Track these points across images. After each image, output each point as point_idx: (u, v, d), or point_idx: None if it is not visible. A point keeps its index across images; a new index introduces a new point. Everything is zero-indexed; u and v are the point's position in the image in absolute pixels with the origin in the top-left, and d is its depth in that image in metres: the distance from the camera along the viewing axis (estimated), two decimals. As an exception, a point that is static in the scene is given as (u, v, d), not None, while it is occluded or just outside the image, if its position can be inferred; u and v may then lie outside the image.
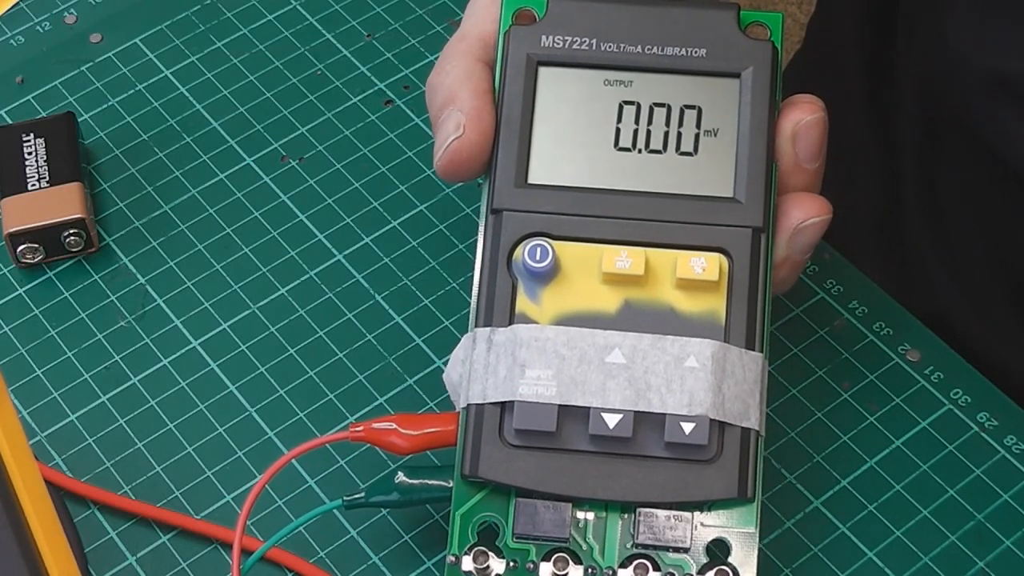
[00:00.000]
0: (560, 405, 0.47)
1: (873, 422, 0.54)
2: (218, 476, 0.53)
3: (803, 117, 0.50)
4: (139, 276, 0.58)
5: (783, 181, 0.50)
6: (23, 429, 0.42)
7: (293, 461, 0.53)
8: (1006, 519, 0.52)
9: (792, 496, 0.52)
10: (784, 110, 0.50)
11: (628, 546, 0.47)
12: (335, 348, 0.56)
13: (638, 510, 0.47)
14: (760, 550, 0.51)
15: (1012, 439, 0.54)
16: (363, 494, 0.49)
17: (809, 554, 0.51)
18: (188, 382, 0.56)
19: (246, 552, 0.50)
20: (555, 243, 0.48)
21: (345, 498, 0.49)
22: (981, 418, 0.54)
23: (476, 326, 0.48)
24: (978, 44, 0.62)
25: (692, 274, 0.48)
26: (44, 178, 0.59)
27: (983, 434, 0.54)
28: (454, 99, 0.50)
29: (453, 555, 0.47)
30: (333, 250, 0.59)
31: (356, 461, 0.53)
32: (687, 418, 0.46)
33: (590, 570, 0.47)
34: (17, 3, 0.66)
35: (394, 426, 0.49)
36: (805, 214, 0.49)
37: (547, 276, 0.48)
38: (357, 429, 0.49)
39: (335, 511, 0.52)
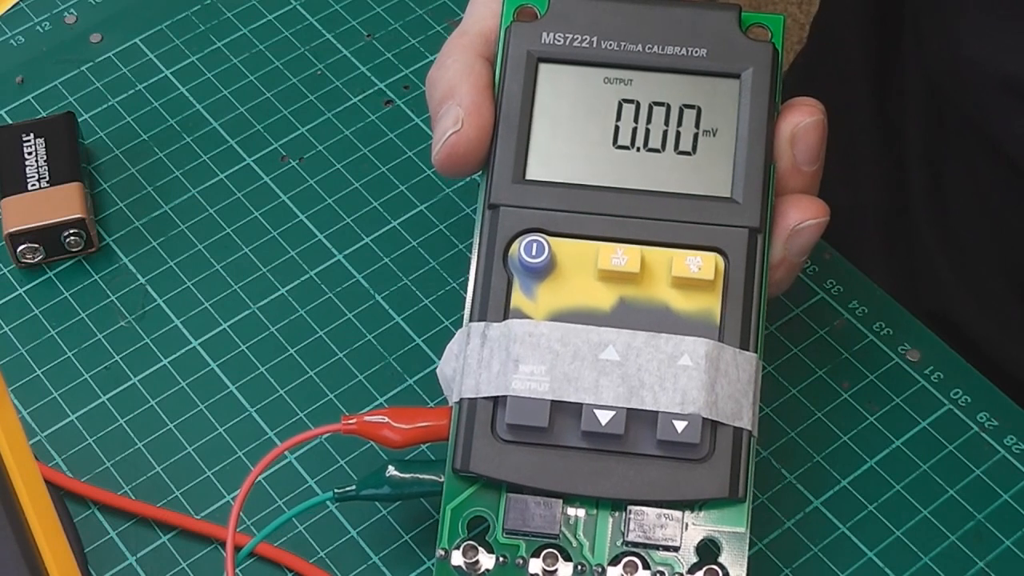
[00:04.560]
0: (553, 401, 0.47)
1: (873, 422, 0.54)
2: (218, 476, 0.53)
3: (802, 120, 0.50)
4: (139, 276, 0.58)
5: (781, 183, 0.50)
6: (23, 429, 0.42)
7: (292, 461, 0.53)
8: (1006, 519, 0.52)
9: (792, 496, 0.52)
10: (783, 112, 0.50)
11: (618, 544, 0.47)
12: (335, 348, 0.56)
13: (629, 508, 0.47)
14: (760, 550, 0.51)
15: (1012, 439, 0.54)
16: (354, 487, 0.49)
17: (809, 554, 0.51)
18: (188, 382, 0.56)
19: (242, 548, 0.50)
20: (551, 239, 0.48)
21: (336, 491, 0.49)
22: (981, 418, 0.54)
23: (471, 321, 0.48)
24: (990, 49, 0.62)
25: (688, 273, 0.48)
26: (44, 178, 0.59)
27: (983, 434, 0.54)
28: (453, 93, 0.50)
29: (442, 549, 0.47)
30: (333, 250, 0.59)
31: (356, 460, 0.53)
32: (680, 416, 0.46)
33: (579, 567, 0.47)
34: (17, 3, 0.66)
35: (386, 419, 0.49)
36: (802, 216, 0.49)
37: (543, 272, 0.48)
38: (350, 422, 0.49)
39: (333, 510, 0.52)
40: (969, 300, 0.68)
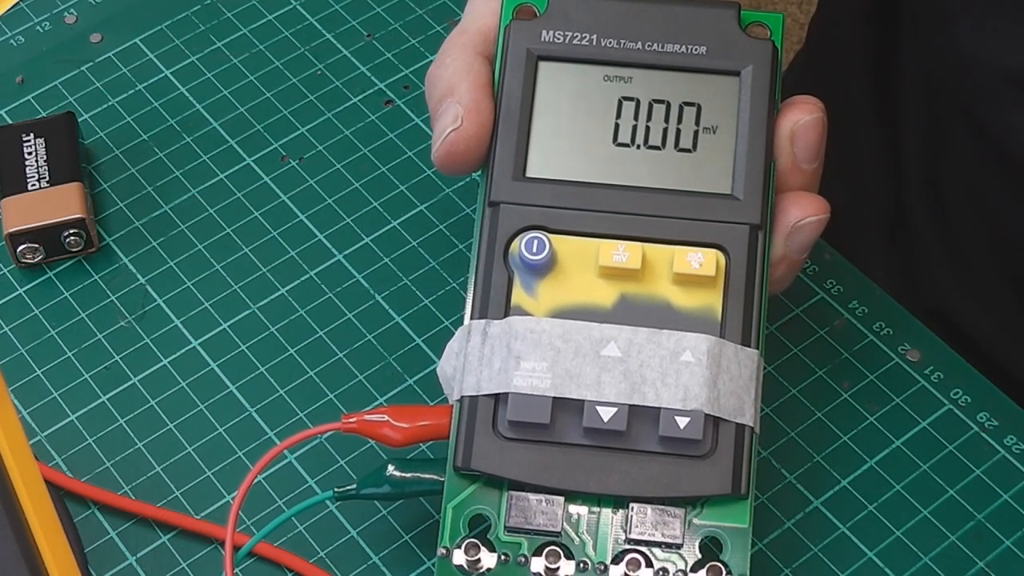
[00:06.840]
0: (554, 398, 0.47)
1: (873, 422, 0.54)
2: (218, 476, 0.53)
3: (802, 117, 0.50)
4: (139, 276, 0.58)
5: (781, 181, 0.50)
6: (23, 429, 0.42)
7: (292, 461, 0.53)
8: (1006, 519, 0.52)
9: (792, 496, 0.52)
10: (783, 110, 0.50)
11: (620, 541, 0.47)
12: (335, 348, 0.56)
13: (631, 505, 0.47)
14: (760, 550, 0.51)
15: (1012, 439, 0.53)
16: (354, 486, 0.49)
17: (809, 554, 0.51)
18: (188, 382, 0.56)
19: (241, 548, 0.50)
20: (552, 236, 0.48)
21: (336, 489, 0.49)
22: (981, 418, 0.54)
23: (471, 318, 0.48)
24: (990, 43, 0.62)
25: (689, 269, 0.48)
26: (44, 178, 0.59)
27: (983, 434, 0.54)
28: (453, 91, 0.50)
29: (444, 547, 0.47)
30: (333, 250, 0.59)
31: (356, 460, 0.53)
32: (682, 412, 0.46)
33: (582, 564, 0.47)
34: (17, 3, 0.66)
35: (387, 418, 0.49)
36: (803, 213, 0.49)
37: (543, 269, 0.48)
38: (350, 420, 0.49)
39: (333, 510, 0.52)
40: (969, 300, 0.68)
